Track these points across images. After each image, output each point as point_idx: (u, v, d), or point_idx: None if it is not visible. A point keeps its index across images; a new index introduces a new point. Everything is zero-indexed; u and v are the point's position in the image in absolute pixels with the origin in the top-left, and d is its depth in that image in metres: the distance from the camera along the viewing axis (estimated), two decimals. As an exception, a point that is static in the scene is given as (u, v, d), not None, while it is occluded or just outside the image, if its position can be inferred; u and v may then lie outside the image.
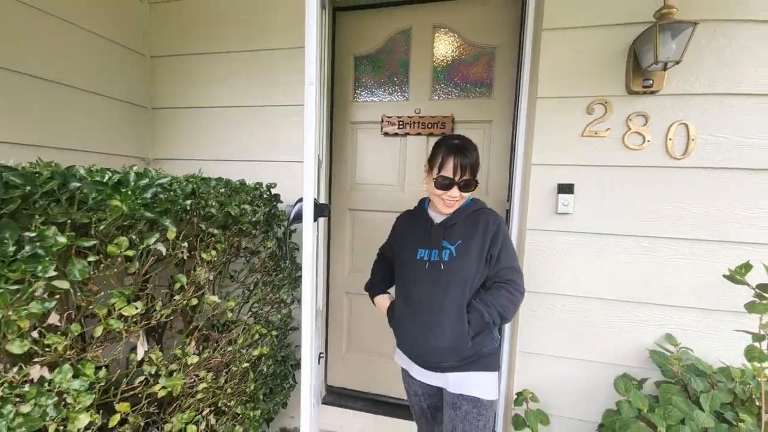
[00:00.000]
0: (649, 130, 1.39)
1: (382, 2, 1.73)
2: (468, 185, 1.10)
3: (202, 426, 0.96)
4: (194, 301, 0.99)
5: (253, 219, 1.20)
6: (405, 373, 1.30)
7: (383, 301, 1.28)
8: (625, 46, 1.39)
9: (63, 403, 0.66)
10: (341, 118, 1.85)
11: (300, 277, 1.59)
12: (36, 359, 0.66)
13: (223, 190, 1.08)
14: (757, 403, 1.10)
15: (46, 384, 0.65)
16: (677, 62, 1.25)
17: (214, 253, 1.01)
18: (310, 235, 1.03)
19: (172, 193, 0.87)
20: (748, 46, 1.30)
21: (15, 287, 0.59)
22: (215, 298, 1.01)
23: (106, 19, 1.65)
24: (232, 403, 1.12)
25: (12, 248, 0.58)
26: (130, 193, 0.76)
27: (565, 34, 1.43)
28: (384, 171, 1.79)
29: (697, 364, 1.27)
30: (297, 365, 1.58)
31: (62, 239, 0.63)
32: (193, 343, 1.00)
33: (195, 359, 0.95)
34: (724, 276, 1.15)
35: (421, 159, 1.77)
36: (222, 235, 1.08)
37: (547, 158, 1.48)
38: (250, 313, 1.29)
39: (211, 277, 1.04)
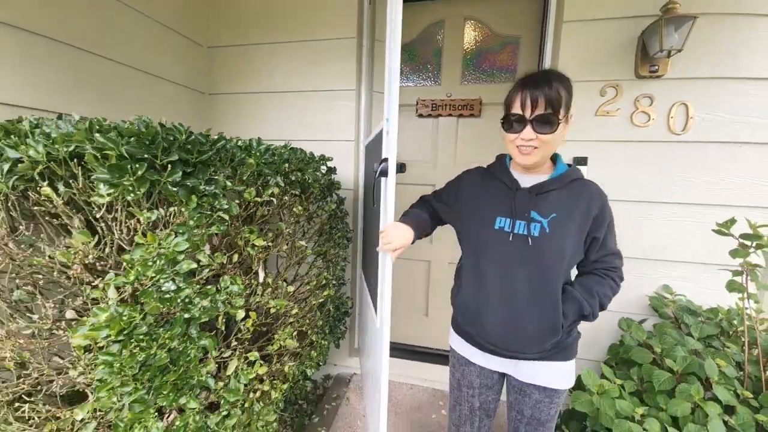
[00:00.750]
0: (653, 110, 1.61)
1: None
2: (545, 121, 0.86)
3: (295, 342, 1.23)
4: (285, 246, 1.24)
5: (320, 184, 1.45)
6: (460, 361, 1.09)
7: (404, 231, 1.02)
8: (635, 36, 1.60)
9: (227, 301, 0.93)
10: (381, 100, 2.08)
11: (350, 238, 1.85)
12: (205, 271, 0.92)
13: (302, 159, 1.33)
14: (742, 339, 1.35)
15: (215, 287, 0.91)
16: (679, 50, 1.47)
17: (300, 208, 1.26)
18: (393, 184, 1.03)
19: (276, 157, 1.12)
20: (742, 36, 1.51)
21: (206, 213, 0.84)
22: (303, 243, 1.27)
23: (174, 14, 1.87)
24: (309, 332, 1.39)
25: (202, 187, 0.83)
26: (258, 154, 1.01)
27: (583, 25, 1.64)
28: (418, 148, 2.03)
29: (689, 306, 1.53)
30: (347, 313, 1.85)
31: (228, 183, 0.89)
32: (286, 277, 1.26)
33: (291, 289, 1.22)
34: (713, 230, 1.39)
35: (451, 137, 2.01)
36: (302, 195, 1.33)
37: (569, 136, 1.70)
38: (320, 261, 1.55)
39: (292, 230, 1.29)
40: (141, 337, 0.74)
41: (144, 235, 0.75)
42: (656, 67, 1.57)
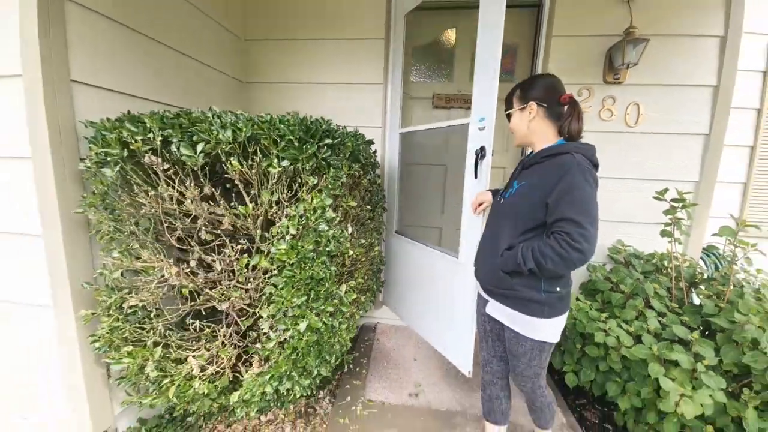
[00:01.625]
0: (615, 108, 2.14)
1: (437, 6, 2.31)
2: (508, 116, 1.27)
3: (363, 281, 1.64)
4: (359, 210, 1.63)
5: (371, 163, 1.83)
6: (477, 296, 1.41)
7: (489, 194, 1.44)
8: (603, 50, 2.10)
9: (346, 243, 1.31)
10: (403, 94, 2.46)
11: (386, 207, 2.24)
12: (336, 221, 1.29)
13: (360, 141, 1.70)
14: (670, 272, 1.93)
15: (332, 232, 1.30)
16: (635, 64, 1.98)
17: (366, 181, 1.65)
18: (488, 164, 1.49)
19: (359, 142, 1.49)
20: (675, 51, 2.05)
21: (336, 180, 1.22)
22: (369, 207, 1.66)
23: (216, 7, 2.06)
24: (367, 278, 1.80)
25: (335, 162, 1.20)
26: (353, 138, 1.38)
27: (566, 40, 2.11)
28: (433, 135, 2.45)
29: (635, 253, 2.11)
30: (380, 270, 2.27)
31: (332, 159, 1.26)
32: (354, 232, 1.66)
33: (363, 242, 1.61)
34: (653, 197, 1.95)
35: (459, 126, 2.44)
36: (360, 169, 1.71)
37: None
38: (371, 224, 1.94)
39: (360, 198, 1.67)
40: (306, 261, 1.12)
41: (308, 193, 1.12)
42: (618, 76, 2.08)
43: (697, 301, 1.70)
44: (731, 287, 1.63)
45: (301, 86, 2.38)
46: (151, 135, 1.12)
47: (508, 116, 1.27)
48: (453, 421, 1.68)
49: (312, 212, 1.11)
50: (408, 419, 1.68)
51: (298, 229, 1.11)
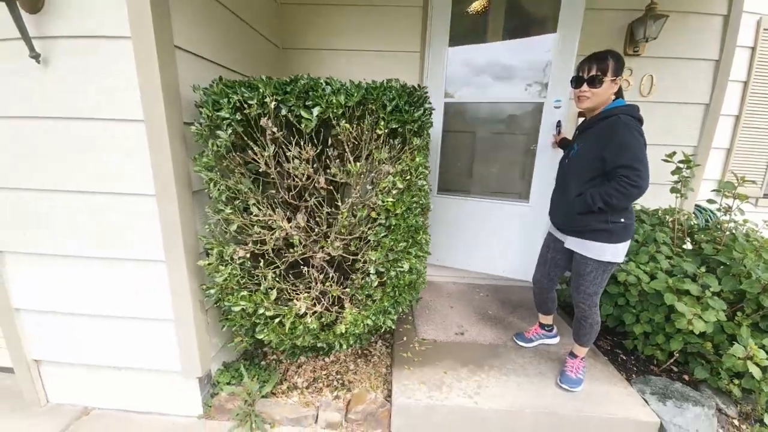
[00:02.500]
0: (632, 78, 2.36)
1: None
2: (593, 80, 1.39)
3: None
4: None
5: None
6: (549, 232, 1.80)
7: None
8: (625, 24, 2.29)
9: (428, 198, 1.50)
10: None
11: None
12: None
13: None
14: (671, 223, 2.26)
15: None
16: (655, 38, 2.19)
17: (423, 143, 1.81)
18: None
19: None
20: (686, 28, 2.27)
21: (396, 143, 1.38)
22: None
23: None
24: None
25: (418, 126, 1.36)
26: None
27: (594, 13, 2.28)
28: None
29: (644, 209, 2.43)
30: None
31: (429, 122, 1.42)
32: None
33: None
34: (662, 159, 2.23)
35: (487, 95, 2.60)
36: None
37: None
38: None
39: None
40: (409, 212, 1.31)
41: (410, 152, 1.29)
42: (638, 48, 2.29)
43: (689, 246, 2.05)
44: (726, 233, 1.97)
45: (337, 53, 2.43)
46: (267, 100, 1.23)
47: (594, 81, 1.40)
48: (497, 351, 1.99)
49: (415, 169, 1.28)
50: (459, 351, 1.96)
51: (403, 184, 1.29)
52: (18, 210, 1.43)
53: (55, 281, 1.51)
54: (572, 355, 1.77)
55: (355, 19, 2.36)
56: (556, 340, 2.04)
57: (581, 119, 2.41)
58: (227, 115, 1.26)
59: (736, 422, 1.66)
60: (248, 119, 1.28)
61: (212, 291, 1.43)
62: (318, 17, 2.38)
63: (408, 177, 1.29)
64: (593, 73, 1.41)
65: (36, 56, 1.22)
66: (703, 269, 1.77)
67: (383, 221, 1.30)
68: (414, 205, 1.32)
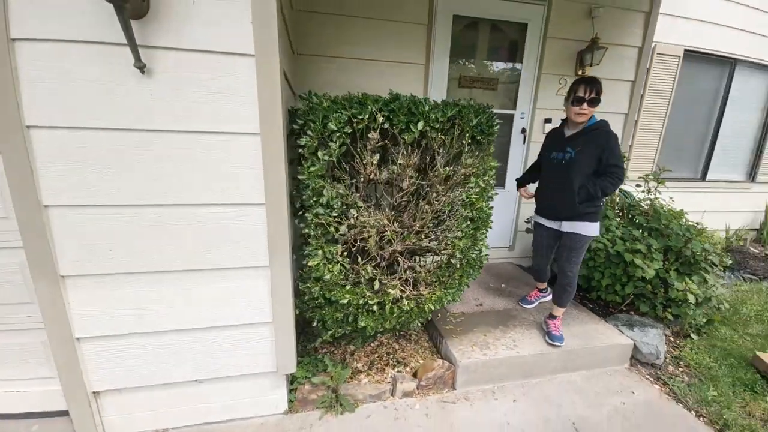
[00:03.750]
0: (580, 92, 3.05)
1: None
2: (593, 101, 1.80)
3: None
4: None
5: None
6: (537, 225, 2.19)
7: (523, 191, 2.30)
8: (575, 51, 2.95)
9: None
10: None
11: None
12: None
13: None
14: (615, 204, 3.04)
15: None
16: (597, 64, 2.89)
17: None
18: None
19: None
20: (614, 56, 3.03)
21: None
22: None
23: None
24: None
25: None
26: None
27: (555, 41, 2.88)
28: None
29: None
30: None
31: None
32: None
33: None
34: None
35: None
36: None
37: (542, 104, 3.01)
38: None
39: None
40: (486, 204, 1.64)
41: (486, 158, 1.61)
42: (584, 71, 2.98)
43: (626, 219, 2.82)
44: (649, 208, 2.77)
45: (349, 61, 2.59)
46: (378, 115, 1.41)
47: (594, 102, 1.84)
48: (512, 313, 2.46)
49: (489, 170, 1.62)
50: (486, 318, 2.38)
51: (483, 183, 1.61)
52: (115, 227, 1.33)
53: (133, 301, 1.43)
54: (552, 317, 2.20)
55: (366, 30, 2.55)
56: (549, 297, 2.59)
57: (547, 124, 3.04)
58: (335, 128, 1.41)
59: (671, 339, 2.43)
60: (354, 132, 1.45)
61: (315, 289, 1.55)
62: (330, 27, 2.50)
63: (485, 177, 1.61)
64: (593, 95, 1.82)
65: (141, 66, 1.19)
66: (645, 233, 2.50)
67: (469, 213, 1.61)
68: (489, 198, 1.66)
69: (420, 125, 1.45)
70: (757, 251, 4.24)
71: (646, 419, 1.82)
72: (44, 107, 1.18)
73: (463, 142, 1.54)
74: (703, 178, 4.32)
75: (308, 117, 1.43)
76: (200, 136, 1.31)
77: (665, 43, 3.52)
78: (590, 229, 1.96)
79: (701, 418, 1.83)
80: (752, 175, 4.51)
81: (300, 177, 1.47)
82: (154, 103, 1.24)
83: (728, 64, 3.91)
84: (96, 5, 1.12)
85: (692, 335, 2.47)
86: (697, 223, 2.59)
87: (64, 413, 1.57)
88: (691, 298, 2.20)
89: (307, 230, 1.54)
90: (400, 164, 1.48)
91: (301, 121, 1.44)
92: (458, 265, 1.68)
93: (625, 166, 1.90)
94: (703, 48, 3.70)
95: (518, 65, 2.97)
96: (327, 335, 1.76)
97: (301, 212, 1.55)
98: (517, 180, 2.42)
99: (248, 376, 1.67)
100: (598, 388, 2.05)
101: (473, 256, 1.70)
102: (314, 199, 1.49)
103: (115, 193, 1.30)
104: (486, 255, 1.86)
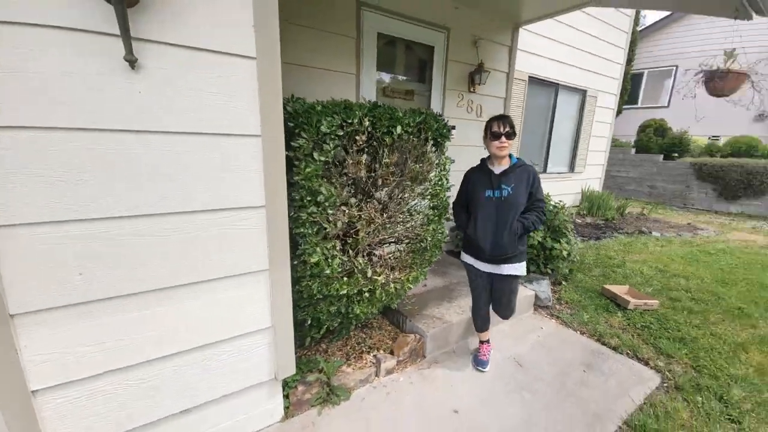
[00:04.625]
0: (473, 106, 3.81)
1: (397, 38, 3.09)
2: (509, 135, 1.83)
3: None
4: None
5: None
6: (471, 267, 2.05)
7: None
8: (467, 72, 3.67)
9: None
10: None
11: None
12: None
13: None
14: None
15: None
16: (484, 84, 3.67)
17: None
18: None
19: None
20: (495, 78, 3.90)
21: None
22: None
23: None
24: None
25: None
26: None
27: (454, 63, 3.53)
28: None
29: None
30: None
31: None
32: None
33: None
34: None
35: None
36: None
37: (448, 113, 3.62)
38: None
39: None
40: (441, 192, 2.00)
41: (443, 154, 1.97)
42: (474, 89, 3.73)
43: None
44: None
45: (292, 66, 2.61)
46: (365, 121, 1.60)
47: (510, 135, 1.86)
48: (450, 289, 2.92)
49: (447, 166, 1.98)
50: (432, 295, 2.76)
51: (442, 177, 1.95)
52: (90, 246, 1.10)
53: (108, 332, 1.22)
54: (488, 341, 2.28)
55: (309, 39, 2.64)
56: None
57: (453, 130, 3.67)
58: (327, 131, 1.53)
59: (552, 287, 3.31)
60: (345, 134, 1.59)
61: (314, 285, 1.62)
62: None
63: (443, 172, 1.96)
64: (507, 129, 1.85)
65: (132, 60, 1.08)
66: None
67: (433, 203, 1.93)
68: (446, 189, 2.01)
69: (398, 129, 1.69)
70: (580, 221, 5.98)
71: (555, 343, 2.50)
72: (-5, 103, 0.95)
73: (427, 143, 1.86)
74: (545, 170, 5.84)
75: (300, 119, 1.50)
76: (198, 138, 1.24)
77: (518, 70, 4.66)
78: (523, 268, 1.99)
79: (584, 335, 2.63)
80: (572, 167, 6.33)
81: (296, 178, 1.51)
82: (144, 101, 1.13)
83: (554, 86, 5.42)
84: (79, -12, 0.98)
85: (563, 282, 3.42)
86: (559, 202, 3.59)
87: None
88: (565, 254, 3.09)
89: (302, 229, 1.59)
90: (385, 163, 1.69)
91: (291, 123, 1.50)
92: (428, 247, 1.99)
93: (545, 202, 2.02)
94: (540, 75, 5.04)
95: (429, 81, 3.50)
96: (321, 331, 1.82)
97: (293, 213, 1.58)
98: (459, 226, 2.12)
99: (242, 392, 1.59)
100: (520, 331, 2.67)
101: (438, 238, 2.03)
102: (308, 198, 1.56)
103: (90, 205, 1.11)
104: (446, 236, 2.22)
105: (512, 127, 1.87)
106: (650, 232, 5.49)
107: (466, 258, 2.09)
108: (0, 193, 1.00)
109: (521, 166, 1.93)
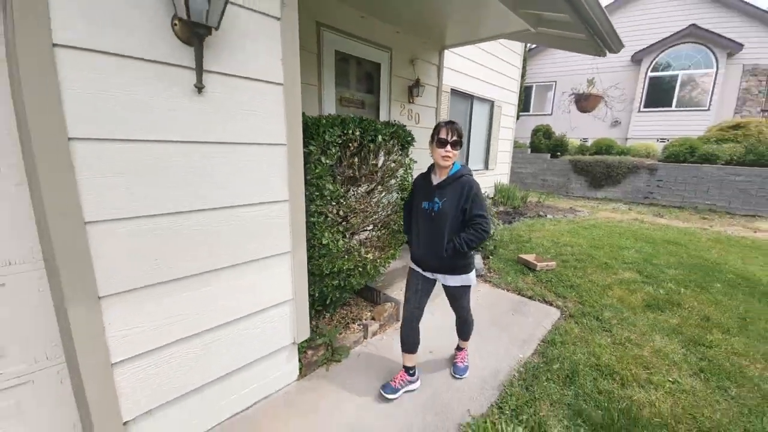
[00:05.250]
0: (412, 114, 4.48)
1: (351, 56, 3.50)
2: (456, 144, 1.69)
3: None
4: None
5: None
6: (412, 270, 1.99)
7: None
8: (406, 87, 4.31)
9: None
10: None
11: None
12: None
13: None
14: None
15: (397, 178, 2.72)
16: (420, 96, 4.36)
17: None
18: None
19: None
20: (428, 91, 4.63)
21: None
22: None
23: None
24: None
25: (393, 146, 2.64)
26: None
27: (397, 78, 4.13)
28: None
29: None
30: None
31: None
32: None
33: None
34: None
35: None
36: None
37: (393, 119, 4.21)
38: None
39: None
40: (407, 184, 2.58)
41: (408, 155, 2.53)
42: (413, 100, 4.40)
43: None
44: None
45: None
46: (357, 131, 2.06)
47: (456, 144, 1.71)
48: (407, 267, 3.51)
49: (410, 165, 2.54)
50: (395, 273, 3.31)
51: (407, 174, 2.50)
52: (152, 238, 1.34)
53: (175, 308, 1.48)
54: (459, 348, 2.30)
55: None
56: (417, 385, 2.09)
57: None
58: (330, 139, 1.96)
59: (483, 260, 4.15)
60: (343, 142, 2.03)
61: (324, 262, 2.02)
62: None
63: (408, 169, 2.51)
64: (455, 138, 1.69)
65: (200, 87, 1.38)
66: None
67: (403, 195, 2.46)
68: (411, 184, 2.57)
69: (380, 137, 2.19)
70: (495, 209, 7.20)
71: (490, 299, 3.28)
72: (89, 119, 1.18)
73: (396, 147, 2.39)
74: (467, 168, 6.88)
75: (310, 131, 1.89)
76: (246, 147, 1.57)
77: (444, 84, 5.51)
78: (468, 279, 1.91)
79: (510, 291, 3.47)
80: (486, 165, 7.54)
81: (308, 177, 1.90)
82: (206, 118, 1.43)
83: (470, 98, 6.47)
84: (152, 23, 1.26)
85: (490, 256, 4.30)
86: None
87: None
88: (504, 237, 3.94)
89: (313, 218, 1.98)
90: (372, 163, 2.17)
91: (304, 133, 1.88)
92: (399, 230, 2.52)
93: (488, 217, 1.76)
94: (459, 88, 5.99)
95: (377, 92, 4.04)
96: (326, 301, 2.21)
97: (306, 205, 1.96)
98: (404, 230, 2.11)
99: (270, 355, 1.91)
100: (465, 294, 3.40)
101: (402, 223, 2.59)
102: (317, 193, 1.96)
103: (164, 202, 1.37)
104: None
105: (460, 136, 1.72)
106: (546, 215, 6.93)
107: (411, 264, 2.02)
108: (94, 194, 1.22)
109: (459, 178, 1.76)
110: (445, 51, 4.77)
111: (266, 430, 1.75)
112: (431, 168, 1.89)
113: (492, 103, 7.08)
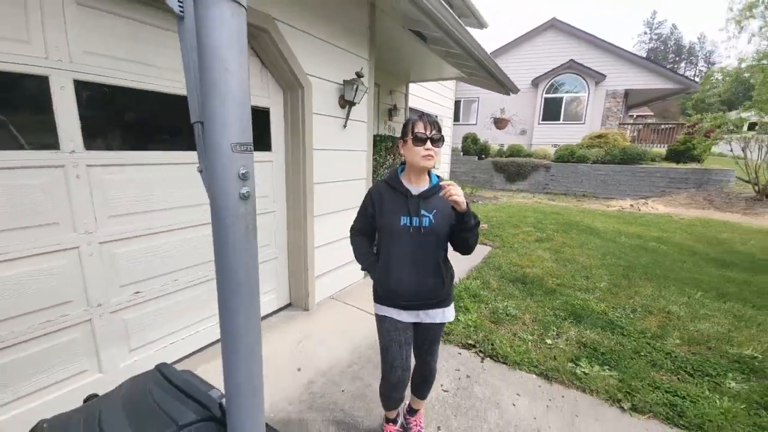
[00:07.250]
0: (390, 129, 6.39)
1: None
2: (436, 140, 1.31)
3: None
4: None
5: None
6: (385, 319, 1.49)
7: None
8: (388, 109, 6.22)
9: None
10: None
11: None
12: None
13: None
14: None
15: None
16: (396, 116, 6.30)
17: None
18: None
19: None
20: (401, 113, 6.59)
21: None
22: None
23: None
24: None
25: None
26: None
27: (382, 104, 6.02)
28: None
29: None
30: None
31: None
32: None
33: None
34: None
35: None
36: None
37: (379, 132, 6.09)
38: None
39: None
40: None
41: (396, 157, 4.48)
42: (391, 119, 6.32)
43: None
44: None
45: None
46: (385, 142, 3.94)
47: (438, 141, 1.35)
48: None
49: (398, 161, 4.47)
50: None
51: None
52: (332, 191, 3.06)
53: (331, 225, 3.19)
54: (413, 411, 1.82)
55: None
56: None
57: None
58: (381, 149, 3.81)
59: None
60: (383, 149, 3.89)
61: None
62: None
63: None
64: (435, 133, 1.34)
65: (345, 125, 3.13)
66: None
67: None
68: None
69: (390, 143, 4.08)
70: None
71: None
72: (318, 143, 2.90)
73: (389, 149, 4.30)
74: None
75: (375, 143, 3.72)
76: (354, 152, 3.35)
77: (409, 106, 7.56)
78: (450, 312, 1.53)
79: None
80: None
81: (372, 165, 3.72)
82: (346, 138, 3.20)
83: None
84: (332, 104, 3.02)
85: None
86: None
87: (286, 306, 3.02)
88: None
89: (372, 189, 3.80)
90: (389, 158, 4.05)
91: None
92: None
93: None
94: (416, 107, 8.08)
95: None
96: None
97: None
98: (363, 266, 1.57)
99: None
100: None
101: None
102: (373, 174, 3.79)
103: (337, 174, 3.11)
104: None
105: (440, 130, 1.37)
106: (477, 202, 9.44)
107: (380, 309, 1.54)
108: (317, 172, 2.94)
109: (440, 183, 1.39)
110: (410, 84, 6.81)
111: (361, 293, 3.51)
112: (395, 175, 1.48)
113: (436, 117, 9.37)
